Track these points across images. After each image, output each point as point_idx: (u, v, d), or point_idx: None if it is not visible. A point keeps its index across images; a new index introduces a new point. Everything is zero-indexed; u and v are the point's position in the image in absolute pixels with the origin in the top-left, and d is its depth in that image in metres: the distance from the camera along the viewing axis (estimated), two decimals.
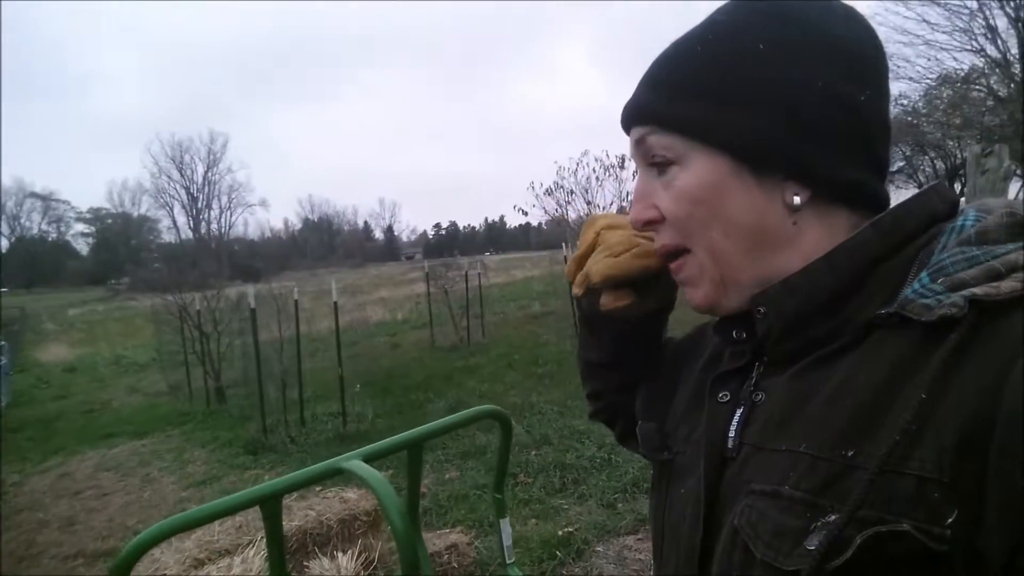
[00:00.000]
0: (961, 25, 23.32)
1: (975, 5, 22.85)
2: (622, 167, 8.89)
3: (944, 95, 24.71)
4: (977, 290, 0.43)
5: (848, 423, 0.46)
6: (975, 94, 23.94)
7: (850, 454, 0.45)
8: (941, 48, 24.18)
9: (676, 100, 0.55)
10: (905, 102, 25.61)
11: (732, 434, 0.56)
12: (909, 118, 25.61)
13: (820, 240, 0.54)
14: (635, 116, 0.59)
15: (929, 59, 25.06)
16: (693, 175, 0.54)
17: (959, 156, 26.82)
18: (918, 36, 24.47)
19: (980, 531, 0.39)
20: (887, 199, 0.55)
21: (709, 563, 0.54)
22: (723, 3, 0.58)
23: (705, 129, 0.54)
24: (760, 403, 0.56)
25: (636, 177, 0.62)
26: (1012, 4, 21.98)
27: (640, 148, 0.58)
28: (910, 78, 25.16)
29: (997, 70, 23.06)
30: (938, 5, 23.50)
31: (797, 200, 0.53)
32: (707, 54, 0.55)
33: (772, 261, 0.54)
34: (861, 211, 0.54)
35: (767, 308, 0.54)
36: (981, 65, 23.55)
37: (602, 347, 0.79)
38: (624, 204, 8.70)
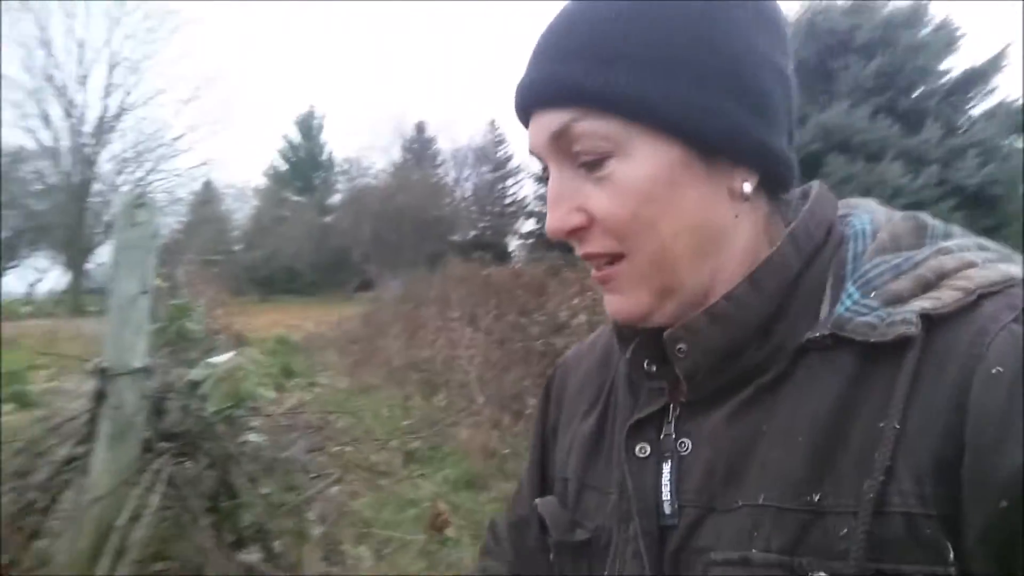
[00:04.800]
0: (13, 99, 22.43)
1: (31, 86, 22.60)
2: None
3: None
4: (926, 304, 0.41)
5: (806, 464, 0.42)
6: (23, 175, 23.12)
7: (815, 498, 0.41)
8: None
9: (613, 73, 0.45)
10: None
11: (667, 496, 0.49)
12: None
13: (751, 235, 0.49)
14: (553, 97, 0.47)
15: None
16: (639, 167, 0.46)
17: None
18: None
19: (964, 561, 0.37)
20: (794, 180, 0.52)
21: None
22: None
23: (654, 109, 0.45)
24: (688, 454, 0.49)
25: (550, 177, 0.49)
26: (66, 99, 22.97)
27: (560, 141, 0.47)
28: None
29: (48, 156, 23.11)
30: None
31: (748, 187, 0.48)
32: (640, 13, 0.45)
33: (713, 263, 0.48)
34: (775, 197, 0.51)
35: (688, 344, 0.48)
36: (34, 147, 23.12)
37: None
38: None
